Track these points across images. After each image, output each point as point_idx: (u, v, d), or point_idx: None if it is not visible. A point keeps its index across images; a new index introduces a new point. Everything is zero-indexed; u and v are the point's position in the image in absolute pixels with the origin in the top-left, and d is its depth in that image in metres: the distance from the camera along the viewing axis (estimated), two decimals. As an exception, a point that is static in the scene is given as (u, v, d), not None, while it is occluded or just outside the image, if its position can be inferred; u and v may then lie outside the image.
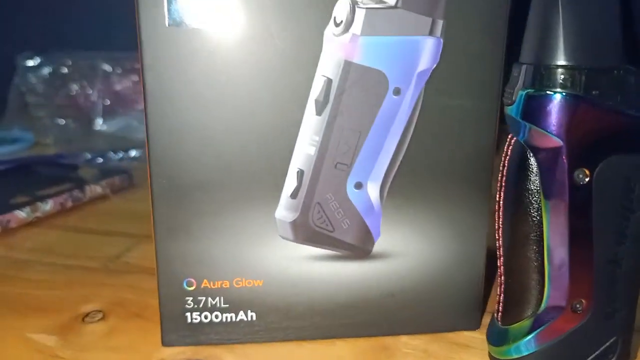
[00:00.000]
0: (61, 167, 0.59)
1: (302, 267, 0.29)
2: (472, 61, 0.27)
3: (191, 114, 0.26)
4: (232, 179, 0.27)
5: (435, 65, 0.27)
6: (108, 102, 0.68)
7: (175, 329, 0.29)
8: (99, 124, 0.68)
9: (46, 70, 0.63)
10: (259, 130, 0.27)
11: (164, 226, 0.27)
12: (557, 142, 0.23)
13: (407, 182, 0.28)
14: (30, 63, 0.63)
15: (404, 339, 0.30)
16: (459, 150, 0.28)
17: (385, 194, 0.28)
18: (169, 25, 0.25)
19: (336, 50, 0.26)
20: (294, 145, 0.27)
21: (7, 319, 0.32)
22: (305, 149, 0.27)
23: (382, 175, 0.28)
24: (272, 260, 0.28)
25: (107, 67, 0.66)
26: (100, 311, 0.33)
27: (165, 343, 0.29)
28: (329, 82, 0.27)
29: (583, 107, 0.23)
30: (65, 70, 0.63)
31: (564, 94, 0.23)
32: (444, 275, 0.29)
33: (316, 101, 0.27)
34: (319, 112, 0.27)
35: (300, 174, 0.28)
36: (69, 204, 0.49)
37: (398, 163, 0.28)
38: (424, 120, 0.27)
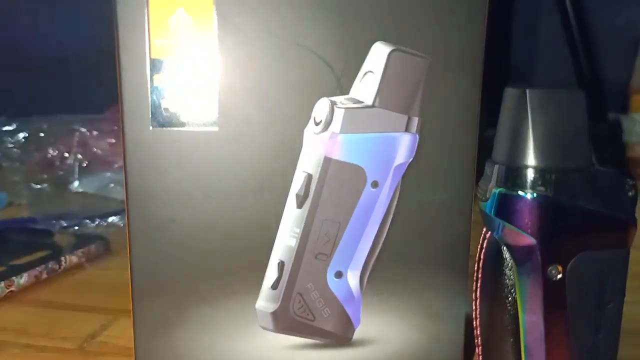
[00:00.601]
0: (35, 234, 0.59)
1: (282, 356, 0.29)
2: (447, 155, 0.28)
3: (173, 210, 0.26)
4: (213, 272, 0.27)
5: (411, 159, 0.28)
6: (85, 163, 0.67)
7: (155, 423, 0.28)
8: (75, 186, 0.67)
9: (22, 135, 0.63)
10: (240, 224, 0.27)
11: (143, 324, 0.27)
12: (530, 240, 0.24)
13: (386, 269, 0.29)
14: (6, 128, 0.63)
15: None
16: (436, 239, 0.29)
17: (365, 281, 0.29)
18: (152, 127, 0.25)
19: (316, 147, 0.27)
20: (275, 237, 0.28)
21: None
22: (286, 240, 0.28)
23: (362, 263, 0.29)
24: (252, 351, 0.28)
25: (83, 130, 0.66)
26: (77, 401, 0.32)
27: None
28: (309, 177, 0.27)
29: (554, 207, 0.24)
30: (41, 134, 0.63)
31: (535, 194, 0.24)
32: (424, 361, 0.30)
33: (297, 195, 0.27)
34: (299, 206, 0.27)
35: (281, 265, 0.28)
36: (44, 275, 0.49)
37: (377, 252, 0.29)
38: (401, 210, 0.28)
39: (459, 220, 0.28)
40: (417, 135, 0.28)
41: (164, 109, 0.25)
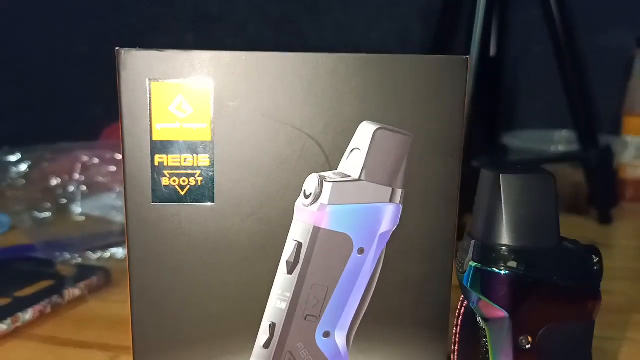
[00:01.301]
0: (37, 263, 0.60)
1: (275, 410, 0.31)
2: (429, 226, 0.30)
3: (172, 276, 0.28)
4: (209, 334, 0.29)
5: (395, 228, 0.30)
6: (87, 190, 0.69)
7: None
8: (78, 211, 0.69)
9: (25, 166, 0.65)
10: (234, 289, 0.29)
11: (145, 377, 0.29)
12: (502, 312, 0.26)
13: (371, 329, 0.31)
14: (11, 158, 0.65)
15: None
16: (418, 303, 0.31)
17: (351, 340, 0.31)
18: (153, 203, 0.27)
19: (306, 218, 0.29)
20: (267, 301, 0.29)
21: None
22: (277, 304, 0.30)
23: (349, 324, 0.31)
24: (247, 405, 0.30)
25: (85, 158, 0.68)
26: None
27: None
28: (299, 245, 0.29)
29: (524, 283, 0.26)
30: (44, 164, 0.65)
31: (507, 270, 0.26)
32: (407, 413, 0.32)
33: (287, 262, 0.29)
34: (289, 272, 0.29)
35: (272, 326, 0.30)
36: (48, 310, 0.51)
37: (363, 313, 0.30)
38: (386, 275, 0.30)
39: (440, 287, 0.30)
40: (401, 205, 0.30)
41: (164, 186, 0.27)
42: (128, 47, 0.26)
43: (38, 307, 0.50)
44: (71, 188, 0.67)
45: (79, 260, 0.60)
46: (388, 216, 0.30)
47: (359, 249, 0.30)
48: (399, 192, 0.29)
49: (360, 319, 0.31)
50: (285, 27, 1.07)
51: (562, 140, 0.96)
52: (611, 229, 0.80)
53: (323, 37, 1.09)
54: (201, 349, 0.29)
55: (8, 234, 0.72)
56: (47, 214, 0.65)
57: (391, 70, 0.28)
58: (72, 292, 0.53)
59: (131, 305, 0.29)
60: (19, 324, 0.48)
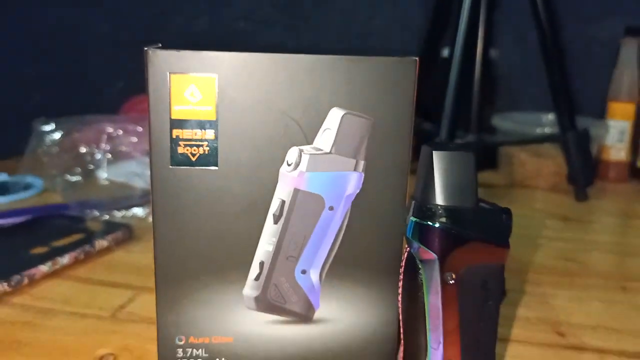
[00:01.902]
0: (70, 219, 0.70)
1: (261, 328, 0.40)
2: (385, 190, 0.38)
3: (187, 224, 0.37)
4: (215, 268, 0.38)
5: (358, 191, 0.38)
6: (111, 157, 0.78)
7: (169, 373, 0.40)
8: (103, 176, 0.79)
9: (58, 135, 0.74)
10: (234, 234, 0.38)
11: (163, 302, 0.38)
12: (433, 255, 0.35)
13: (339, 268, 0.39)
14: (46, 128, 0.74)
15: (337, 381, 0.41)
16: (377, 249, 0.39)
17: (323, 276, 0.39)
18: (171, 166, 0.36)
19: (288, 181, 0.37)
20: (258, 244, 0.38)
21: (46, 358, 0.42)
22: (265, 246, 0.38)
23: (321, 264, 0.39)
24: (239, 324, 0.39)
25: (110, 129, 0.77)
26: (112, 354, 0.43)
27: (162, 382, 0.40)
28: (283, 202, 0.38)
29: (449, 234, 0.34)
30: (75, 134, 0.74)
31: (437, 224, 0.34)
32: (368, 337, 0.41)
33: (274, 215, 0.38)
34: (275, 222, 0.38)
35: (262, 264, 0.39)
36: (82, 256, 0.60)
37: (332, 256, 0.39)
38: (351, 227, 0.39)
39: (394, 237, 0.39)
40: (363, 174, 0.38)
41: (180, 153, 0.36)
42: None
43: (73, 254, 0.59)
44: (98, 156, 0.77)
45: (106, 217, 0.70)
46: (353, 182, 0.38)
47: (329, 206, 0.38)
48: (362, 163, 0.38)
49: (331, 260, 0.39)
50: (292, 12, 1.14)
51: (549, 123, 1.04)
52: (584, 206, 0.87)
53: (328, 21, 1.16)
54: (207, 280, 0.38)
55: (43, 194, 0.82)
56: (78, 178, 0.75)
57: (356, 69, 0.36)
58: (101, 243, 0.63)
59: (155, 246, 0.37)
60: (57, 267, 0.57)
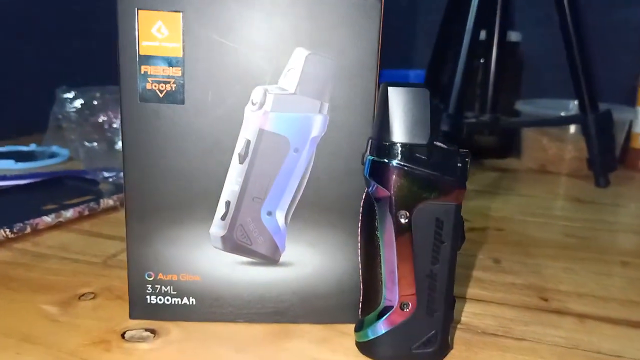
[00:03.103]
0: (86, 182, 0.73)
1: (228, 268, 0.40)
2: (350, 135, 0.38)
3: (154, 159, 0.38)
4: (181, 205, 0.39)
5: (323, 134, 0.39)
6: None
7: (139, 307, 0.41)
8: (119, 145, 0.81)
9: (79, 102, 0.77)
10: (201, 172, 0.39)
11: (133, 237, 0.40)
12: (387, 193, 0.35)
13: (305, 212, 0.40)
14: (67, 95, 0.77)
15: (305, 327, 0.41)
16: (339, 192, 0.39)
17: (289, 219, 0.40)
18: (140, 102, 0.37)
19: (253, 121, 0.38)
20: (224, 183, 0.39)
21: (27, 294, 0.45)
22: (231, 186, 0.39)
23: (287, 206, 0.40)
24: (206, 263, 0.40)
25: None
26: (93, 293, 0.45)
27: (131, 316, 0.41)
28: (248, 142, 0.39)
29: (403, 171, 0.34)
30: (94, 102, 0.77)
31: (391, 161, 0.34)
32: (332, 280, 0.41)
33: (239, 154, 0.39)
34: (241, 162, 0.39)
35: (228, 203, 0.40)
36: (86, 212, 0.63)
37: (298, 199, 0.40)
38: (316, 170, 0.39)
39: (359, 180, 0.39)
40: (328, 116, 0.38)
41: (148, 89, 0.37)
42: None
43: (77, 209, 0.62)
44: (115, 125, 0.79)
45: (116, 179, 0.72)
46: (317, 124, 0.39)
47: (294, 148, 0.39)
48: (326, 105, 0.38)
49: (296, 203, 0.40)
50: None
51: (574, 109, 1.01)
52: (603, 191, 0.84)
53: None
54: (175, 216, 0.39)
55: (68, 162, 0.86)
56: (95, 144, 0.78)
57: (319, 7, 0.37)
58: (107, 202, 0.65)
59: (125, 178, 0.39)
60: (61, 219, 0.60)
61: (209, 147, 0.39)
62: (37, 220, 0.58)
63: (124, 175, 0.39)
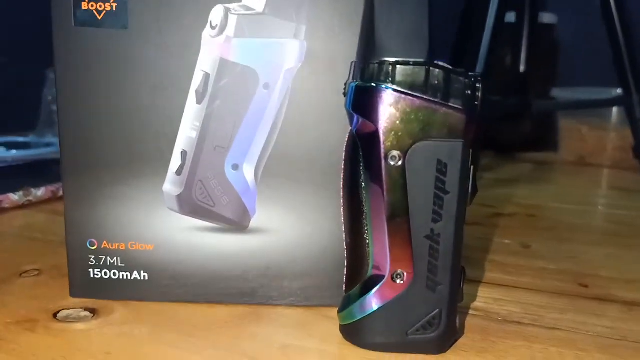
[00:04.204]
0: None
1: (186, 236, 0.33)
2: (331, 67, 0.31)
3: (94, 98, 0.32)
4: (126, 156, 0.32)
5: (299, 65, 0.31)
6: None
7: (80, 282, 0.34)
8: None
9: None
10: (149, 114, 0.32)
11: (71, 196, 0.33)
12: (373, 127, 0.27)
13: (278, 166, 0.32)
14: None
15: (280, 309, 0.33)
16: (323, 141, 0.32)
17: (259, 175, 0.32)
18: (74, 25, 0.31)
19: (213, 49, 0.31)
20: (178, 129, 0.32)
21: (-38, 271, 0.38)
22: (187, 132, 0.32)
23: (256, 158, 0.32)
24: (160, 229, 0.33)
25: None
26: (38, 270, 0.38)
27: (71, 294, 0.34)
28: (207, 76, 0.31)
29: (394, 97, 0.26)
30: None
31: (378, 85, 0.26)
32: (314, 252, 0.33)
33: (196, 92, 0.31)
34: (199, 101, 0.32)
35: (184, 154, 0.32)
36: (60, 193, 0.56)
37: (270, 149, 0.32)
38: (291, 112, 0.31)
39: (340, 122, 0.31)
40: (305, 42, 0.31)
41: (84, 10, 0.30)
42: None
43: (50, 188, 0.55)
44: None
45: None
46: (293, 52, 0.31)
47: (264, 84, 0.31)
48: (303, 28, 0.31)
49: (267, 155, 0.32)
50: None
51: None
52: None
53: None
54: (118, 169, 0.32)
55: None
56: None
57: None
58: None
59: (59, 126, 0.32)
60: (30, 198, 0.54)
61: (159, 82, 0.31)
62: (1, 197, 0.51)
63: (58, 117, 0.32)
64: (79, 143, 0.32)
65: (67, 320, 0.31)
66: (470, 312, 0.34)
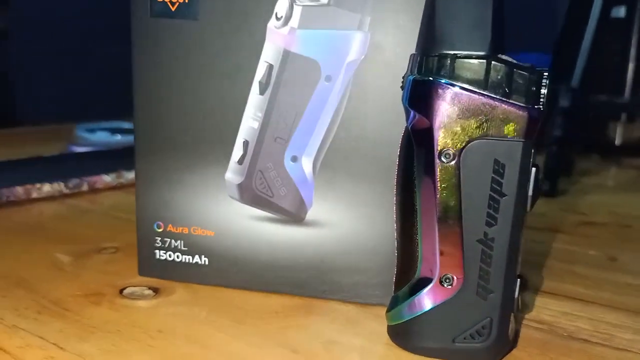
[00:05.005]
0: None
1: (246, 225, 0.34)
2: (396, 58, 0.30)
3: (167, 89, 0.33)
4: (193, 143, 0.33)
5: (362, 57, 0.31)
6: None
7: (147, 262, 0.35)
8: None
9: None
10: (217, 103, 0.32)
11: (142, 179, 0.34)
12: (427, 122, 0.26)
13: (336, 159, 0.32)
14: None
15: (333, 304, 0.33)
16: (383, 134, 0.31)
17: (317, 168, 0.32)
18: (150, 16, 0.32)
19: (277, 40, 0.31)
20: (241, 119, 0.32)
21: (50, 244, 0.41)
22: (250, 122, 0.32)
23: (315, 151, 0.32)
24: (222, 216, 0.34)
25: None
26: (116, 247, 0.41)
27: (139, 272, 0.36)
28: (270, 67, 0.32)
29: (451, 92, 0.25)
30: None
31: (435, 79, 0.25)
32: (368, 248, 0.32)
33: (260, 82, 0.32)
34: (261, 92, 0.32)
35: (246, 143, 0.33)
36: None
37: (329, 142, 0.32)
38: (352, 105, 0.31)
39: (401, 117, 0.30)
40: (369, 34, 0.30)
41: (159, 2, 0.32)
42: None
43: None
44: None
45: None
46: (356, 44, 0.31)
47: (326, 76, 0.31)
48: (367, 19, 0.30)
49: (326, 148, 0.32)
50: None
51: None
52: None
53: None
54: (185, 155, 0.33)
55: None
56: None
57: None
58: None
59: (135, 114, 0.34)
60: (122, 180, 0.57)
61: (226, 71, 0.32)
62: (95, 178, 0.55)
63: (133, 104, 0.34)
64: (151, 128, 0.34)
65: (131, 297, 0.33)
66: (534, 324, 0.32)
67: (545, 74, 0.25)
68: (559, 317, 0.33)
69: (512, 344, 0.28)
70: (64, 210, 0.50)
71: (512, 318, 0.28)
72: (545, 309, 0.34)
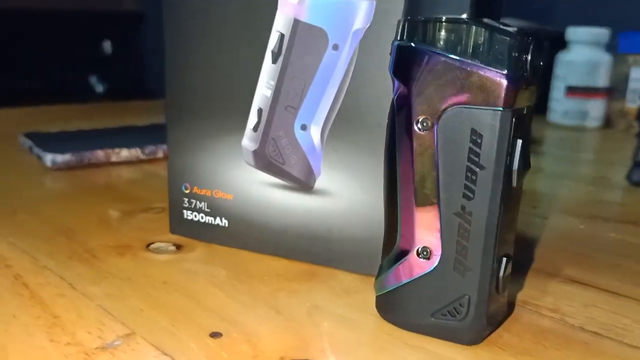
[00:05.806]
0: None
1: (260, 190, 0.35)
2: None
3: (195, 56, 0.35)
4: (218, 107, 0.35)
5: (368, 25, 0.30)
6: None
7: (176, 221, 0.38)
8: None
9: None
10: (236, 70, 0.34)
11: (172, 143, 0.37)
12: (404, 89, 0.25)
13: (342, 129, 0.32)
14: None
15: (339, 273, 0.33)
16: (383, 109, 0.30)
17: (325, 137, 0.32)
18: (179, -13, 0.34)
19: (288, 10, 0.32)
20: (256, 87, 0.33)
21: (108, 202, 0.45)
22: (263, 91, 0.33)
23: (323, 119, 0.32)
24: (240, 180, 0.35)
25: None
26: (163, 207, 0.44)
27: (171, 230, 0.38)
28: (282, 36, 0.32)
29: (428, 58, 0.24)
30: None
31: (415, 45, 0.24)
32: (372, 221, 0.32)
33: (272, 52, 0.33)
34: (274, 61, 0.33)
35: (260, 111, 0.34)
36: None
37: (336, 111, 0.32)
38: (358, 73, 0.31)
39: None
40: (374, 2, 0.30)
41: (182, -26, 0.34)
42: None
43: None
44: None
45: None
46: (361, 13, 0.30)
47: (333, 44, 0.31)
48: (372, -13, 0.30)
49: (333, 117, 0.32)
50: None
51: None
52: None
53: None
54: (208, 123, 0.35)
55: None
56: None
57: None
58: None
59: (165, 79, 0.36)
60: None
61: (243, 39, 0.33)
62: (159, 147, 0.59)
63: (164, 71, 0.36)
64: (180, 94, 0.36)
65: (155, 251, 0.36)
66: (545, 312, 0.30)
67: (530, 38, 0.23)
68: (577, 307, 0.30)
69: (496, 326, 0.27)
70: (137, 174, 0.54)
71: (500, 299, 0.26)
72: (566, 299, 0.31)
